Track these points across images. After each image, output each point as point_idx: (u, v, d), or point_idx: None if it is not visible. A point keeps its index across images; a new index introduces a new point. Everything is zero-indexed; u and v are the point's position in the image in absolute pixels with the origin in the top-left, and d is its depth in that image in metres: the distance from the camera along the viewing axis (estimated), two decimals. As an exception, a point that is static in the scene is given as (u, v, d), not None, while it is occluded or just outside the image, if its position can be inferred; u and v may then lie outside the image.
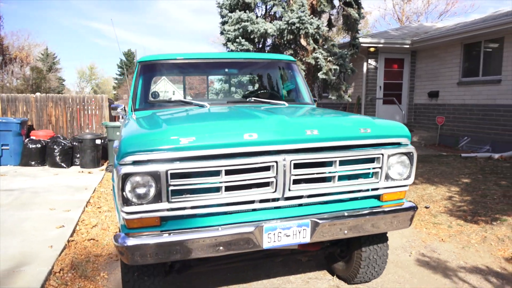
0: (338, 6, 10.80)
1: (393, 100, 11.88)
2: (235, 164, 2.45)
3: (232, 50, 9.91)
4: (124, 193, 2.33)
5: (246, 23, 9.29)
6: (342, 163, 2.68)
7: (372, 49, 12.18)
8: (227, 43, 10.24)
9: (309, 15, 9.48)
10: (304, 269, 3.77)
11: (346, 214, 2.72)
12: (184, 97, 4.91)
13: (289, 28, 9.35)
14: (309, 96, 4.19)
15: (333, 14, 11.45)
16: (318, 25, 9.48)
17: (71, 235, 4.60)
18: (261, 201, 2.60)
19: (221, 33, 11.25)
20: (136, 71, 3.88)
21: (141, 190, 2.36)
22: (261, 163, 2.50)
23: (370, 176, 2.81)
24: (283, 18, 9.40)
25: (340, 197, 2.78)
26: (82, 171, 8.76)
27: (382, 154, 2.73)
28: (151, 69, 3.91)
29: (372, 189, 2.83)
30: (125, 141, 2.38)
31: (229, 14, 9.70)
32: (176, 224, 2.50)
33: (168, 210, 2.43)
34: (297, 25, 9.26)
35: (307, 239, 2.65)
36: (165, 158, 2.36)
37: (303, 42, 9.97)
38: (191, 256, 2.46)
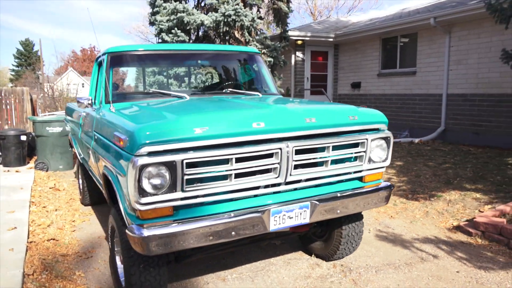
0: (272, 1, 11.09)
1: (322, 91, 12.51)
2: (244, 152, 2.55)
3: (166, 41, 9.72)
4: (140, 184, 2.32)
5: (182, 14, 9.17)
6: (334, 148, 2.91)
7: (299, 42, 12.70)
8: (161, 34, 10.01)
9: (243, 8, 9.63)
10: (281, 252, 3.97)
11: (338, 195, 2.96)
12: (144, 89, 4.80)
13: (225, 20, 9.42)
14: (275, 87, 4.37)
15: (261, 7, 11.71)
16: (253, 18, 9.68)
17: (28, 237, 4.31)
18: (265, 186, 2.74)
19: (151, 23, 10.95)
20: (105, 62, 3.73)
21: (156, 181, 2.37)
22: (267, 150, 2.63)
23: (355, 159, 3.08)
24: (219, 10, 9.43)
25: (331, 180, 3.01)
26: (8, 170, 8.04)
27: (366, 139, 3.01)
28: (121, 61, 3.79)
29: (356, 172, 3.11)
30: (138, 132, 2.35)
31: (164, 5, 9.49)
32: (187, 212, 2.54)
33: (181, 199, 2.47)
34: (233, 17, 9.37)
35: (307, 220, 2.84)
36: (179, 148, 2.39)
37: (237, 34, 10.11)
38: (206, 242, 2.52)
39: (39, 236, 4.41)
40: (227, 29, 9.68)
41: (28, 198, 5.80)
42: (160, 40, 10.75)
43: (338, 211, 2.97)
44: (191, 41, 9.86)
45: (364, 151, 3.04)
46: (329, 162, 2.91)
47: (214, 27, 9.57)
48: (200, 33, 10.87)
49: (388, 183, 3.30)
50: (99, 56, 4.14)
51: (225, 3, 9.84)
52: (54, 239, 4.36)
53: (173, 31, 9.42)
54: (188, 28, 9.45)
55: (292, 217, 2.78)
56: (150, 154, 2.33)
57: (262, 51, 10.45)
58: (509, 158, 7.28)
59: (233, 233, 2.58)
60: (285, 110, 2.79)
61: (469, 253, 3.91)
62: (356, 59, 12.83)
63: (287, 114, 2.75)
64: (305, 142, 2.74)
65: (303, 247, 3.99)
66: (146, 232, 2.37)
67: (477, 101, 9.40)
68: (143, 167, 2.30)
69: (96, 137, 3.44)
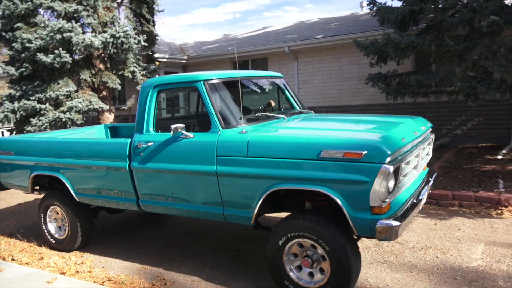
0: (141, 23, 11.11)
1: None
2: (414, 153, 3.53)
3: (44, 61, 8.61)
4: (388, 186, 3.03)
5: (70, 34, 8.41)
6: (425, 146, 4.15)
7: (157, 63, 12.96)
8: (37, 53, 8.74)
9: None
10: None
11: (430, 179, 4.21)
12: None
13: (114, 41, 9.13)
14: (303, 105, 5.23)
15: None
16: (140, 40, 9.68)
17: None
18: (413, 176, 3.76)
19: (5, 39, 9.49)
20: (204, 90, 3.87)
21: (391, 182, 3.11)
22: (419, 149, 3.67)
23: (423, 154, 4.38)
24: (108, 31, 9.05)
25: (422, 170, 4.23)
26: None
27: (431, 138, 4.36)
28: (220, 87, 4.00)
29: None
30: (384, 146, 3.03)
31: (47, 23, 8.44)
32: (394, 205, 3.32)
33: (394, 194, 3.26)
34: (122, 39, 9.18)
35: (426, 198, 3.98)
36: (399, 154, 3.20)
37: (121, 55, 9.84)
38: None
39: (87, 280, 4.04)
40: (115, 50, 9.36)
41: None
42: (12, 60, 9.38)
43: (430, 191, 4.22)
44: (69, 62, 8.99)
45: (430, 148, 4.38)
46: (424, 155, 4.13)
47: (102, 48, 9.11)
48: (82, 54, 9.92)
49: (432, 169, 4.73)
50: (166, 84, 4.17)
51: (104, 24, 9.51)
52: (109, 280, 4.08)
53: (56, 51, 8.49)
54: (74, 48, 8.68)
55: (423, 197, 3.87)
56: (389, 162, 3.06)
57: (141, 72, 10.46)
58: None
59: (413, 214, 3.51)
60: (415, 123, 3.90)
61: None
62: (208, 79, 13.93)
63: (417, 125, 3.87)
64: (422, 143, 3.89)
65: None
66: (393, 223, 3.06)
67: (324, 111, 11.95)
68: (391, 171, 3.01)
69: (232, 160, 3.59)
